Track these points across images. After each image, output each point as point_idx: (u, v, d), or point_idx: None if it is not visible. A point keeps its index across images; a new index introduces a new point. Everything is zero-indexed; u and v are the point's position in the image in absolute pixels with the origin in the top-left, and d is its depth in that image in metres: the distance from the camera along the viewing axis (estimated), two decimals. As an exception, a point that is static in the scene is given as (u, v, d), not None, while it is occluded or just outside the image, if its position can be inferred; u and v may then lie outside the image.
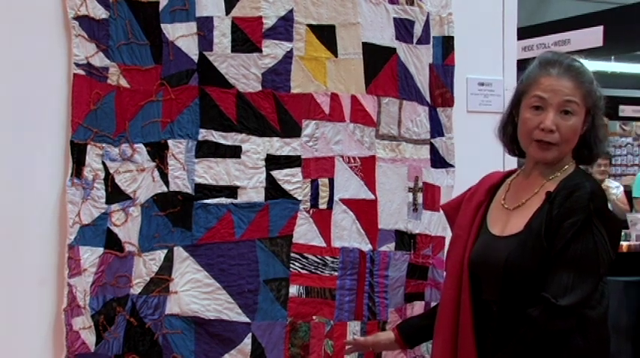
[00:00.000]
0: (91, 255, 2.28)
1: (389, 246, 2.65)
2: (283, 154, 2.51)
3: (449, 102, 2.81)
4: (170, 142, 2.39)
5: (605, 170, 7.11)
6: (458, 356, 2.19)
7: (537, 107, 2.12)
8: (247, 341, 2.43)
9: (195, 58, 2.42)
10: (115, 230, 2.32)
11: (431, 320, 2.33)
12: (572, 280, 2.00)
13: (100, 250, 2.30)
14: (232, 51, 2.45)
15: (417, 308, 2.71)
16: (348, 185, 2.61)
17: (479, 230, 2.24)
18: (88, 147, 2.29)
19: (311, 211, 2.54)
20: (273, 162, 2.49)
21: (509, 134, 2.26)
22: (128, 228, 2.34)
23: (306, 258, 2.53)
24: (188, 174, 2.41)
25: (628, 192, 7.55)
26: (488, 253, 2.16)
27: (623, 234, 5.27)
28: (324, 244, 2.56)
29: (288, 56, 2.52)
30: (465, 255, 2.22)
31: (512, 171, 2.34)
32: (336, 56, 2.59)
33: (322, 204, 2.56)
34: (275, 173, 2.50)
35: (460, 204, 2.37)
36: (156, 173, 2.38)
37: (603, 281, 2.12)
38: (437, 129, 2.78)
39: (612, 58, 10.21)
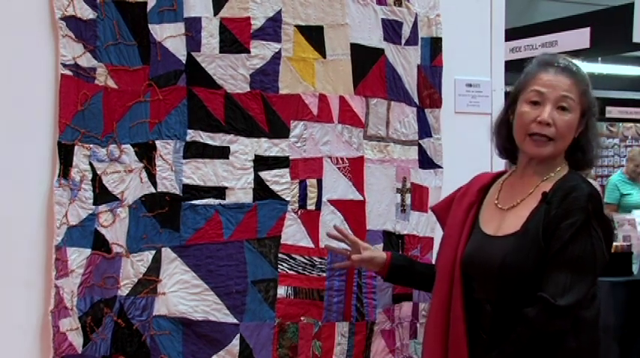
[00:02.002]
0: (78, 256, 2.28)
1: (377, 247, 2.65)
2: (271, 155, 2.51)
3: (437, 103, 2.81)
4: (158, 143, 2.38)
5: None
6: (449, 354, 2.20)
7: (535, 102, 2.15)
8: (235, 342, 2.43)
9: (183, 58, 2.41)
10: (103, 231, 2.31)
11: (422, 273, 2.41)
12: (570, 280, 2.02)
13: (88, 251, 2.29)
14: (220, 51, 2.44)
15: (406, 308, 2.71)
16: (337, 186, 2.61)
17: (471, 230, 2.24)
18: (76, 147, 2.28)
19: (299, 212, 2.54)
20: (262, 162, 2.49)
21: (504, 136, 2.27)
22: (116, 229, 2.33)
23: (294, 259, 2.53)
24: (176, 175, 2.40)
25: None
26: (482, 253, 2.16)
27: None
28: (312, 245, 2.55)
29: (277, 57, 2.51)
30: (456, 254, 2.23)
31: (503, 172, 2.36)
32: (325, 57, 2.59)
33: (310, 205, 2.56)
34: (263, 174, 2.49)
35: (450, 204, 2.37)
36: (144, 174, 2.37)
37: (594, 283, 2.14)
38: (425, 130, 2.79)
39: (599, 59, 10.27)
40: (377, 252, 2.49)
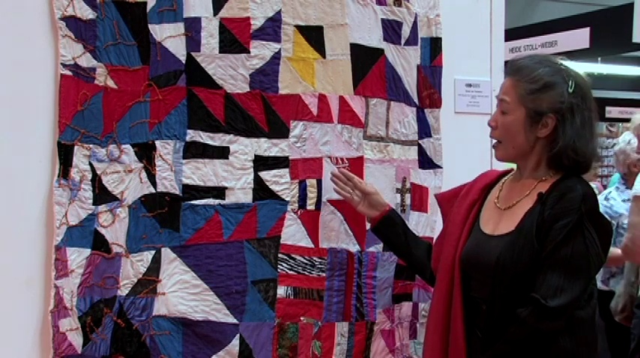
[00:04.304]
0: (78, 256, 2.28)
1: (377, 247, 2.66)
2: (271, 155, 2.51)
3: (436, 103, 2.82)
4: (158, 143, 2.38)
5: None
6: (449, 351, 2.20)
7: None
8: (235, 342, 2.43)
9: (183, 58, 2.41)
10: (103, 231, 2.32)
11: (408, 239, 2.47)
12: (562, 281, 2.02)
13: (88, 251, 2.29)
14: (220, 51, 2.45)
15: (405, 308, 2.71)
16: (336, 186, 2.61)
17: (471, 228, 2.25)
18: (76, 148, 2.28)
19: (299, 212, 2.54)
20: (261, 162, 2.49)
21: None
22: (115, 229, 2.33)
23: (294, 259, 2.53)
24: (176, 175, 2.40)
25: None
26: (480, 251, 2.17)
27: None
28: (312, 245, 2.56)
29: (276, 57, 2.52)
30: (456, 252, 2.24)
31: (508, 170, 2.36)
32: (324, 57, 2.59)
33: (310, 205, 2.56)
34: (263, 174, 2.49)
35: (454, 197, 2.38)
36: (143, 174, 2.37)
37: (592, 283, 2.13)
38: (425, 130, 2.79)
39: (599, 59, 10.26)
40: (378, 196, 2.53)
